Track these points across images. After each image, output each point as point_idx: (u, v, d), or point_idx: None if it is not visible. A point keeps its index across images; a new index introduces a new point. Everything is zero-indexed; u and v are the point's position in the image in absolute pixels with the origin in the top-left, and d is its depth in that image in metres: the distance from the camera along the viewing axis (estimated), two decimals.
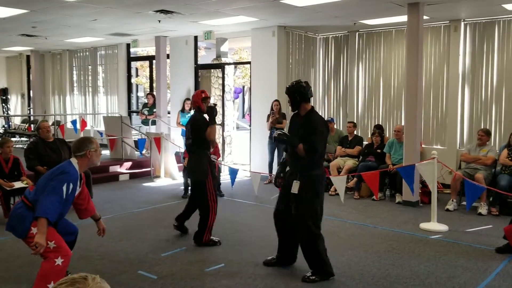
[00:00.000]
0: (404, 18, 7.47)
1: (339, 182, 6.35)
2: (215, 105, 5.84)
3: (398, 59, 9.30)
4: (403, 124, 7.96)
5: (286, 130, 5.12)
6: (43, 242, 3.36)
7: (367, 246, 5.30)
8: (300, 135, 4.29)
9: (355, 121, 9.37)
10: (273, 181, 5.11)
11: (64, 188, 3.55)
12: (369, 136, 9.01)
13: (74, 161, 3.73)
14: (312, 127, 4.24)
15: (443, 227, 6.00)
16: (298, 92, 4.38)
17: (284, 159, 4.63)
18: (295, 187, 4.25)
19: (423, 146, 8.47)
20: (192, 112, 10.40)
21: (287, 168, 4.56)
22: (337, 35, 10.16)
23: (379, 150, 8.15)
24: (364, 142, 8.83)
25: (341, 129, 9.82)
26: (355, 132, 8.87)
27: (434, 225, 6.03)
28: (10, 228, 3.68)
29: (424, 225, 6.07)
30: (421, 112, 7.52)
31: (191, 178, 5.83)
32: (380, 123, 9.14)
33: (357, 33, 9.78)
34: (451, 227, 6.06)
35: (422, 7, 7.06)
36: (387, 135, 8.96)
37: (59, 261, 3.58)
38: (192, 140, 5.40)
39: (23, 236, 3.63)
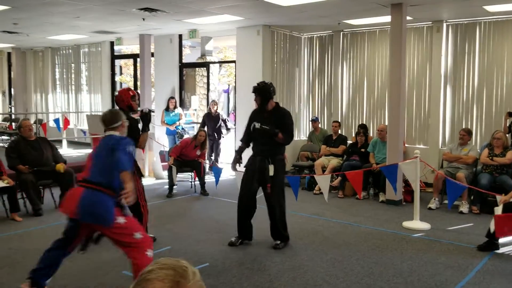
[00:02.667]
0: (388, 18, 7.54)
1: (323, 181, 6.38)
2: (150, 111, 5.55)
3: (382, 59, 9.38)
4: (386, 123, 8.04)
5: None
6: (133, 189, 3.43)
7: (351, 245, 5.35)
8: (273, 125, 5.02)
9: (339, 120, 9.44)
10: (231, 167, 5.46)
11: (131, 148, 3.63)
12: (353, 135, 9.07)
13: (113, 132, 3.74)
14: (286, 119, 5.13)
15: (425, 226, 6.08)
16: (268, 91, 5.09)
17: (240, 147, 5.38)
18: (271, 170, 5.06)
19: (406, 145, 8.56)
20: (176, 111, 10.46)
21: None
22: (321, 34, 10.21)
23: (363, 149, 8.22)
24: (348, 141, 8.89)
25: (325, 128, 9.88)
26: (339, 132, 8.92)
27: (416, 224, 6.11)
28: (92, 217, 3.47)
29: (407, 224, 6.14)
30: (404, 111, 7.61)
31: None
32: (364, 123, 9.21)
33: (341, 33, 9.83)
34: (433, 225, 6.14)
35: (405, 8, 7.13)
36: (371, 135, 9.04)
37: (149, 253, 3.53)
38: None
39: (110, 224, 3.45)
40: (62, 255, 3.74)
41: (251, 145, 5.39)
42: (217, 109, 10.12)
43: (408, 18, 7.54)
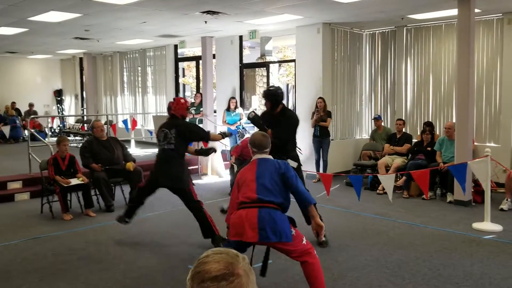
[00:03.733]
0: (454, 11, 7.24)
1: (387, 181, 6.25)
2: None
3: (449, 54, 9.03)
4: (454, 121, 7.73)
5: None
6: (322, 224, 3.67)
7: (417, 246, 5.20)
8: (281, 126, 5.25)
9: (403, 118, 9.19)
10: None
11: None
12: (419, 133, 8.80)
13: (265, 155, 3.81)
14: (291, 120, 5.40)
15: (497, 227, 5.79)
16: (279, 96, 5.32)
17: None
18: (293, 163, 5.02)
19: (475, 143, 8.19)
20: (237, 111, 10.63)
21: None
22: (384, 30, 9.98)
23: (429, 148, 7.95)
24: (413, 140, 8.64)
25: (388, 126, 9.65)
26: (403, 130, 8.69)
27: (487, 225, 5.83)
28: (277, 235, 3.46)
29: (477, 225, 5.88)
30: (473, 108, 7.28)
31: (172, 186, 5.31)
32: (430, 120, 8.91)
33: (405, 28, 9.56)
34: (505, 227, 5.83)
35: (473, 0, 6.82)
36: (438, 133, 8.72)
37: (316, 254, 3.63)
38: (176, 147, 5.21)
39: (290, 240, 3.50)
40: None
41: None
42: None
43: (476, 10, 7.20)
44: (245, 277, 1.27)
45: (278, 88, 5.47)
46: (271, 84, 5.21)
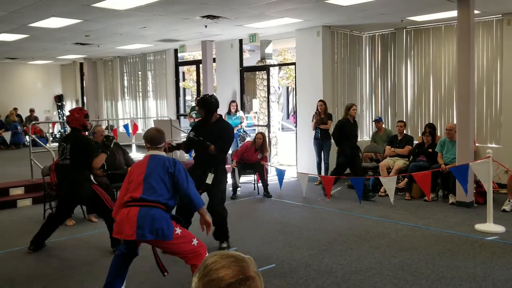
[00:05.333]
0: (454, 13, 7.26)
1: (389, 183, 6.26)
2: (113, 137, 5.46)
3: (449, 55, 9.04)
4: (455, 122, 7.73)
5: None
6: (210, 221, 3.79)
7: (420, 248, 5.20)
8: (213, 137, 5.12)
9: (404, 120, 9.20)
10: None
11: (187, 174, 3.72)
12: (419, 135, 8.80)
13: (157, 152, 3.77)
14: (225, 131, 5.24)
15: (499, 228, 5.79)
16: (213, 105, 5.23)
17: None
18: (209, 179, 5.11)
19: (476, 144, 8.19)
20: (238, 114, 10.65)
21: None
22: (383, 32, 10.00)
23: (430, 150, 7.96)
24: (414, 142, 8.64)
25: (389, 128, 9.66)
26: (404, 131, 8.70)
27: (490, 226, 5.83)
28: (154, 233, 3.46)
29: (479, 226, 5.88)
30: (474, 109, 7.28)
31: (74, 201, 5.26)
32: (431, 122, 8.92)
33: (404, 30, 9.58)
34: (508, 228, 5.83)
35: (472, 1, 6.83)
36: (439, 134, 8.73)
37: (207, 254, 3.65)
38: (72, 162, 5.01)
39: (170, 238, 3.51)
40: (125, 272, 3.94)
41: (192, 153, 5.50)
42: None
43: (475, 12, 7.21)
44: (258, 279, 1.25)
45: (212, 96, 5.35)
46: (206, 93, 5.16)
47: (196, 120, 11.57)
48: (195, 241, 3.63)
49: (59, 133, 16.40)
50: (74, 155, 5.02)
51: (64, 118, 17.69)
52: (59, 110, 18.09)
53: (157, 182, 3.58)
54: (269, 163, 10.22)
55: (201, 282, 1.22)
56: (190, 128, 11.74)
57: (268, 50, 11.92)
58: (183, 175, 3.65)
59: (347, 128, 7.91)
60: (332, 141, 9.13)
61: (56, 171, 5.25)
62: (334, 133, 8.12)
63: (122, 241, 3.82)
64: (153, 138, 3.80)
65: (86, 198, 5.13)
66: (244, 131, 10.66)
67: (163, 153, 3.82)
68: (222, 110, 11.30)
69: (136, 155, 11.94)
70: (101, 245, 5.55)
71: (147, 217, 3.46)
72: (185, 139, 5.57)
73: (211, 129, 5.22)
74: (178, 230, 3.59)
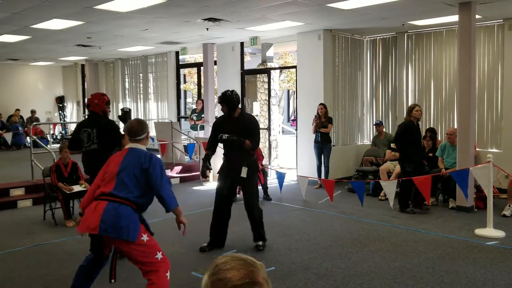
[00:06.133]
0: (455, 18, 7.27)
1: (389, 187, 6.26)
2: (129, 109, 5.56)
3: (450, 60, 9.05)
4: (455, 127, 7.74)
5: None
6: (185, 221, 3.52)
7: (420, 252, 5.20)
8: (240, 130, 5.22)
9: None
10: (201, 174, 5.62)
11: (164, 172, 3.51)
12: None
13: (137, 145, 3.56)
14: (252, 124, 5.35)
15: (499, 233, 5.79)
16: (234, 100, 5.28)
17: (207, 155, 5.43)
18: (244, 172, 5.22)
19: (477, 149, 8.19)
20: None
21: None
22: (384, 36, 10.02)
23: (431, 154, 7.95)
24: None
25: (390, 132, 9.66)
26: None
27: (490, 231, 5.83)
28: (117, 231, 3.24)
29: (479, 231, 5.87)
30: (474, 114, 7.29)
31: None
32: (432, 126, 8.92)
33: (405, 34, 9.60)
34: (508, 233, 5.83)
35: (474, 6, 6.85)
36: (439, 139, 8.73)
37: (168, 274, 3.39)
38: (99, 145, 4.92)
39: (134, 239, 3.26)
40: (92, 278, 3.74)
41: (222, 151, 5.54)
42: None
43: (477, 16, 7.22)
44: (266, 286, 1.27)
45: (233, 92, 5.39)
46: (226, 90, 5.20)
47: (197, 122, 11.65)
48: (159, 255, 3.36)
49: (60, 134, 16.41)
50: (103, 139, 4.92)
51: (65, 119, 17.74)
52: (60, 112, 18.11)
53: (129, 178, 3.39)
54: (269, 166, 10.23)
55: (210, 280, 1.26)
56: (190, 130, 11.83)
57: (269, 53, 11.94)
58: (157, 172, 3.41)
59: (413, 131, 7.08)
60: (333, 144, 9.15)
61: (84, 157, 5.09)
62: (398, 138, 7.18)
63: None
64: (131, 129, 3.60)
65: None
66: None
67: (143, 147, 3.59)
68: (222, 113, 11.32)
69: None
70: None
71: (113, 213, 3.26)
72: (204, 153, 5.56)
73: (236, 123, 5.27)
74: (145, 237, 3.34)
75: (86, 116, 5.19)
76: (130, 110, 5.57)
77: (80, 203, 6.79)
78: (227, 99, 5.26)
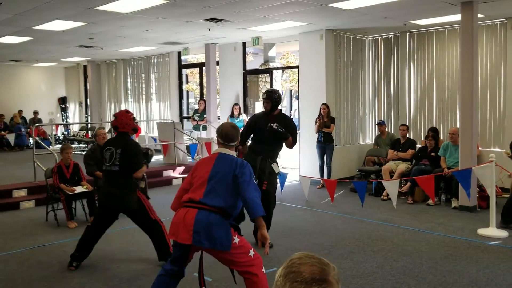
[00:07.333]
0: (457, 17, 7.26)
1: (391, 187, 6.25)
2: (150, 150, 5.54)
3: (452, 59, 9.03)
4: (458, 126, 7.72)
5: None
6: (267, 236, 3.22)
7: (422, 252, 5.18)
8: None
9: (407, 124, 9.18)
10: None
11: (254, 180, 3.38)
12: (423, 139, 8.78)
13: (227, 151, 3.47)
14: (293, 125, 5.65)
15: (502, 233, 5.77)
16: (279, 99, 5.60)
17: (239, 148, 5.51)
18: (276, 168, 5.55)
19: (480, 149, 8.17)
20: (241, 117, 10.66)
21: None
22: (387, 36, 10.00)
23: (433, 154, 7.94)
24: (417, 145, 8.62)
25: (392, 132, 9.65)
26: (407, 135, 8.68)
27: (493, 231, 5.81)
28: (211, 242, 3.19)
29: (482, 231, 5.85)
30: (477, 113, 7.27)
31: (120, 209, 4.82)
32: (434, 126, 8.90)
33: (408, 33, 9.58)
34: (511, 233, 5.81)
35: (476, 5, 6.83)
36: (442, 138, 8.71)
37: (263, 269, 3.34)
38: (120, 168, 4.66)
39: (228, 248, 3.22)
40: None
41: (250, 143, 5.82)
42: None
43: (479, 15, 7.20)
44: (336, 286, 1.31)
45: (278, 91, 5.70)
46: (272, 88, 5.41)
47: (199, 122, 11.65)
48: (251, 252, 3.32)
49: (63, 135, 16.45)
50: (125, 161, 4.67)
51: (68, 120, 17.77)
52: (63, 112, 18.15)
53: (221, 185, 3.29)
54: None
55: (284, 271, 1.33)
56: (192, 130, 11.84)
57: (272, 53, 11.95)
58: (246, 176, 3.29)
59: None
60: (335, 144, 9.14)
61: (104, 177, 4.93)
62: None
63: (171, 253, 3.51)
64: (228, 134, 3.48)
65: (133, 207, 4.71)
66: None
67: (233, 153, 3.52)
68: (225, 113, 11.33)
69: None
70: (103, 248, 5.55)
71: (205, 222, 3.18)
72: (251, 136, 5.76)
73: (275, 121, 5.47)
74: (236, 239, 3.28)
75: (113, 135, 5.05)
76: (150, 150, 5.47)
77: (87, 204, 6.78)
78: (273, 97, 5.52)
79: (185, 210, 3.30)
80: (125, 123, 4.82)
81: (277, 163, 5.65)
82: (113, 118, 4.96)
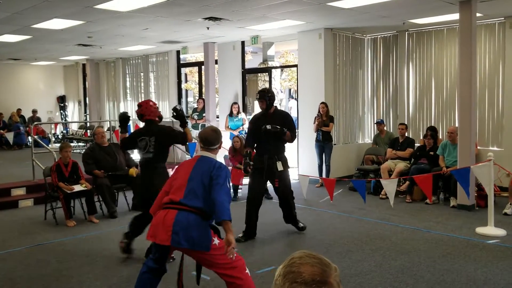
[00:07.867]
0: (456, 16, 7.26)
1: (390, 185, 6.25)
2: (182, 108, 5.58)
3: (451, 58, 9.03)
4: (456, 125, 7.73)
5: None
6: (233, 240, 3.15)
7: (420, 251, 5.19)
8: (279, 125, 5.56)
9: (406, 123, 9.19)
10: (243, 170, 6.05)
11: (228, 184, 3.38)
12: (421, 138, 8.79)
13: (209, 154, 3.51)
14: (289, 119, 5.82)
15: (500, 232, 5.78)
16: (273, 97, 5.75)
17: (249, 152, 5.81)
18: (279, 166, 5.64)
19: (478, 148, 8.18)
20: (240, 116, 10.66)
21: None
22: (385, 35, 10.00)
23: (432, 152, 7.94)
24: (415, 144, 8.63)
25: (391, 130, 9.65)
26: (406, 134, 8.69)
27: (491, 230, 5.82)
28: (188, 242, 3.20)
29: (480, 230, 5.86)
30: (475, 112, 7.27)
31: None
32: (433, 125, 8.90)
33: (406, 32, 9.58)
34: (509, 231, 5.82)
35: (474, 4, 6.83)
36: (440, 137, 8.71)
37: (247, 270, 3.34)
38: (155, 154, 4.89)
39: (208, 249, 3.23)
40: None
41: (255, 145, 5.87)
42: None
43: (477, 14, 7.21)
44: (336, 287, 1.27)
45: (271, 90, 5.88)
46: (264, 87, 5.59)
47: (198, 121, 11.64)
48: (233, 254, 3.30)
49: (61, 134, 16.43)
50: (159, 148, 4.92)
51: (66, 119, 17.75)
52: (62, 111, 18.13)
53: (199, 186, 3.32)
54: None
55: (283, 270, 1.30)
56: (191, 129, 11.81)
57: (270, 52, 11.93)
58: (220, 180, 3.30)
59: None
60: (334, 143, 9.14)
61: (140, 166, 5.21)
62: None
63: (152, 251, 3.58)
64: (208, 138, 3.54)
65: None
66: (246, 133, 10.65)
67: (214, 156, 3.54)
68: (224, 112, 11.33)
69: (137, 156, 11.94)
70: (102, 246, 5.56)
71: (185, 223, 3.20)
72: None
73: (272, 118, 5.64)
74: (216, 241, 3.29)
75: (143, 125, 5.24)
76: (182, 108, 5.51)
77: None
78: (267, 96, 5.66)
79: (165, 212, 3.32)
80: (150, 111, 5.07)
81: (284, 161, 5.74)
82: (136, 107, 5.19)
